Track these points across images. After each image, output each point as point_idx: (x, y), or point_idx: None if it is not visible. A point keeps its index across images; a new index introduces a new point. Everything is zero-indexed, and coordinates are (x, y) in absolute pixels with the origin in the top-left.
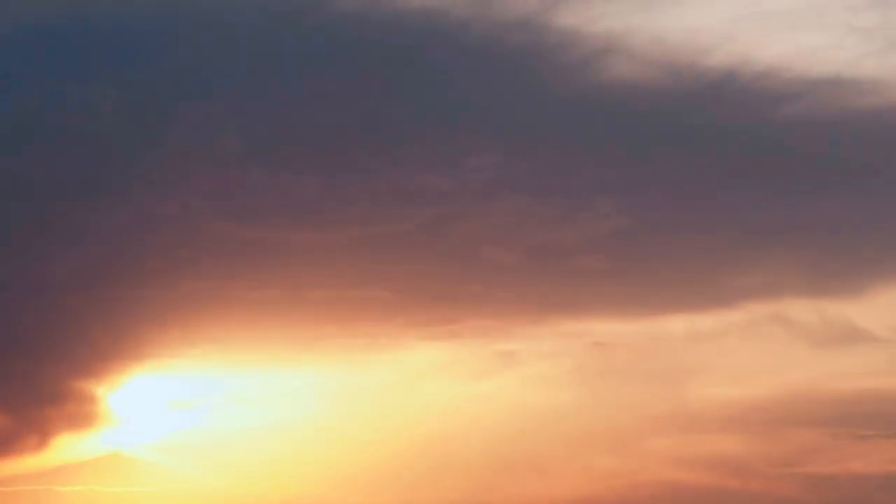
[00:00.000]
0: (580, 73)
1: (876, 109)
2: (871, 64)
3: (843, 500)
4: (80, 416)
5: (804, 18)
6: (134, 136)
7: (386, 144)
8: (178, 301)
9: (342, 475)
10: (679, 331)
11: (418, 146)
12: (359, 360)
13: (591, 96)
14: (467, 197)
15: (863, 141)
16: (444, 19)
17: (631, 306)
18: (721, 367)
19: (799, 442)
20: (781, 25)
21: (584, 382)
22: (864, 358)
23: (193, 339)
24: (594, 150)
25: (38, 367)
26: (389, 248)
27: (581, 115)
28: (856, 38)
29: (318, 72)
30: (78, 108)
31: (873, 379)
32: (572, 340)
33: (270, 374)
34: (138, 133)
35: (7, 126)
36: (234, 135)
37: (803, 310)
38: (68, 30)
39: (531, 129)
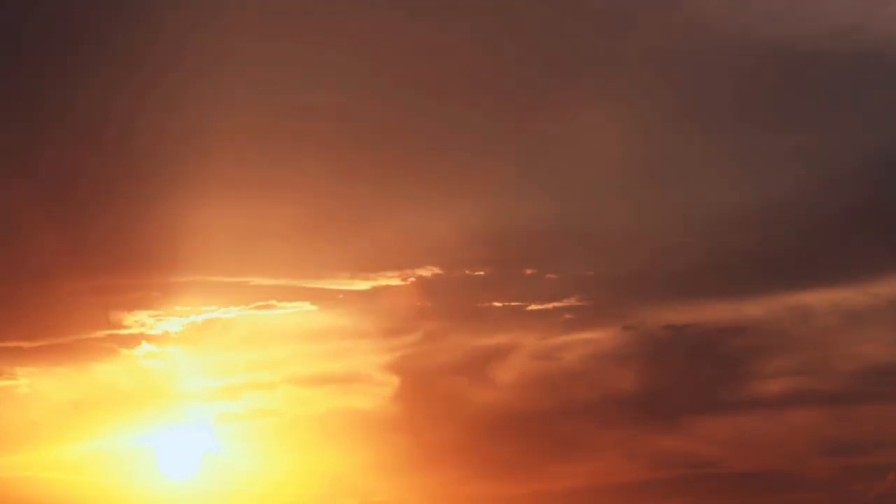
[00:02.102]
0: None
1: None
2: None
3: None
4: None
5: None
6: None
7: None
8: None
9: (394, 463)
10: (760, 313)
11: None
12: (426, 341)
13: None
14: None
15: None
16: None
17: (706, 287)
18: (803, 348)
19: (868, 427)
20: None
21: (650, 365)
22: None
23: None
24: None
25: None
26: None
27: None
28: None
29: None
30: None
31: None
32: (646, 321)
33: (336, 356)
34: None
35: None
36: None
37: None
38: None
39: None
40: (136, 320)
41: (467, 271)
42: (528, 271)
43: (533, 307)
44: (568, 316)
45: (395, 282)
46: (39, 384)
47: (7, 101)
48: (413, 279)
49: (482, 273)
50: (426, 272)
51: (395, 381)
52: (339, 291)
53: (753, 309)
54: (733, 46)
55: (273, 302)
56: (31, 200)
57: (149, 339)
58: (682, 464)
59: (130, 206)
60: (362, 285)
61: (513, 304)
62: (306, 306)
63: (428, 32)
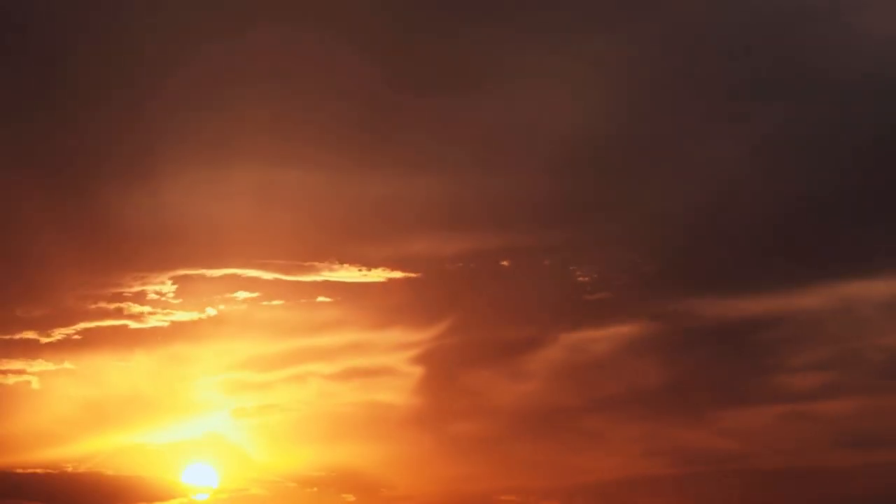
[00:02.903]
0: None
1: None
2: None
3: None
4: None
5: None
6: None
7: None
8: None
9: (416, 456)
10: (793, 305)
11: None
12: (448, 335)
13: None
14: None
15: None
16: None
17: (739, 279)
18: (836, 340)
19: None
20: None
21: (678, 359)
22: None
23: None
24: None
25: None
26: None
27: None
28: None
29: None
30: None
31: None
32: (676, 314)
33: (354, 350)
34: None
35: None
36: None
37: None
38: None
39: None
40: (147, 313)
41: (491, 262)
42: (554, 262)
43: (557, 300)
44: (596, 309)
45: (414, 273)
46: (50, 380)
47: (11, 94)
48: (433, 271)
49: (506, 264)
50: (447, 264)
51: (417, 375)
52: (356, 284)
53: (787, 301)
54: (771, 17)
55: (286, 295)
56: (36, 192)
57: (160, 332)
58: (705, 459)
59: (141, 197)
60: (378, 277)
61: (535, 296)
62: (321, 299)
63: (443, 11)
